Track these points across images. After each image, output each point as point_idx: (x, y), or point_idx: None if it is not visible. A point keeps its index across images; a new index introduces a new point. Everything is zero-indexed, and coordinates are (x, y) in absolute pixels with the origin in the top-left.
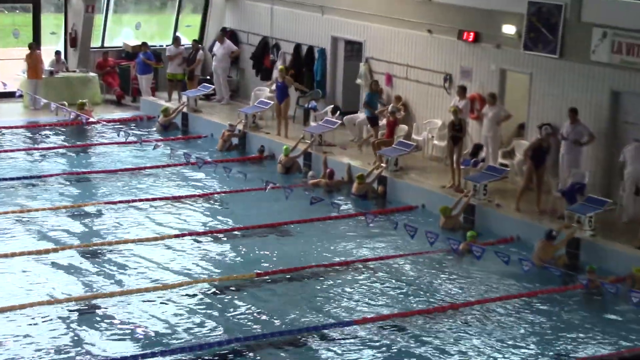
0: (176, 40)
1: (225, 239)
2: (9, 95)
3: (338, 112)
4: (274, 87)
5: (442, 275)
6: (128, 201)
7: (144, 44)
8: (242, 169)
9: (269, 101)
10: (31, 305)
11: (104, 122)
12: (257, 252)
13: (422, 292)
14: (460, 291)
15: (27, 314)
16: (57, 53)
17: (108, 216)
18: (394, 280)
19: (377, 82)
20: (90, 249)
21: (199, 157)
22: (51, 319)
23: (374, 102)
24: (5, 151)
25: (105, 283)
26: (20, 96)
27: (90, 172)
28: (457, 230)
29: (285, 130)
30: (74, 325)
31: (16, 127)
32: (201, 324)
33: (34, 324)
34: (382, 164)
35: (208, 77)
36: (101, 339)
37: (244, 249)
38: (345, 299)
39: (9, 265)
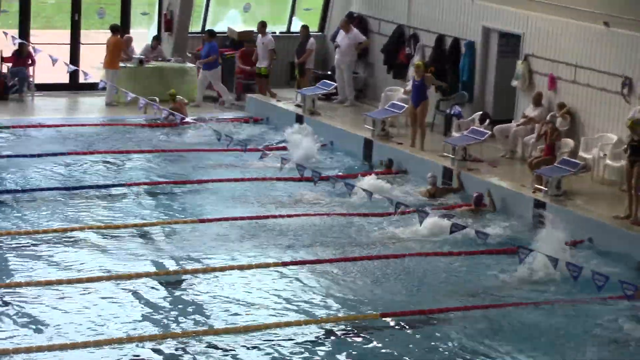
0: (261, 27)
1: (341, 270)
2: (91, 87)
3: (487, 120)
4: (409, 87)
5: (611, 332)
6: (226, 219)
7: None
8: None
9: (402, 104)
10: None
11: (202, 124)
12: (379, 288)
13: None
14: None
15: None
16: (156, 39)
17: (199, 236)
18: (539, 333)
19: None
20: (173, 276)
21: (315, 171)
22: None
23: None
24: (80, 153)
25: (189, 319)
26: (104, 89)
27: (180, 183)
28: None
29: (421, 141)
30: None
31: (95, 126)
32: None
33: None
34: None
35: (329, 73)
36: None
37: (362, 284)
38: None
39: (79, 292)
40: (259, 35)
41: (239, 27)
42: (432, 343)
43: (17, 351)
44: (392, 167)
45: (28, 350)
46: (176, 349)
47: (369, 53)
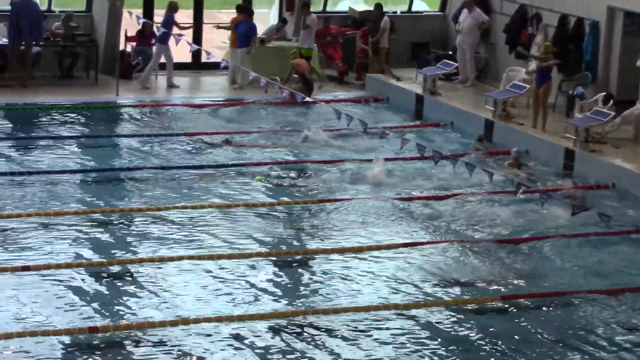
0: (303, 7)
1: (461, 251)
2: (213, 67)
3: (611, 101)
4: (531, 67)
5: None
6: (339, 200)
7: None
8: (486, 165)
9: (524, 85)
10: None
11: (323, 103)
12: (500, 270)
13: None
14: None
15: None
16: (282, 21)
17: (311, 216)
18: None
19: None
20: (294, 257)
21: (436, 151)
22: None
23: None
24: (201, 133)
25: (314, 298)
26: (226, 68)
27: (301, 162)
28: None
29: (543, 122)
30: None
31: (214, 105)
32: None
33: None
34: None
35: (450, 53)
36: None
37: (483, 266)
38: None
39: (199, 269)
40: (302, 16)
41: (360, 7)
42: (553, 327)
43: (141, 326)
44: (483, 143)
45: (151, 325)
46: (305, 326)
47: (491, 33)
